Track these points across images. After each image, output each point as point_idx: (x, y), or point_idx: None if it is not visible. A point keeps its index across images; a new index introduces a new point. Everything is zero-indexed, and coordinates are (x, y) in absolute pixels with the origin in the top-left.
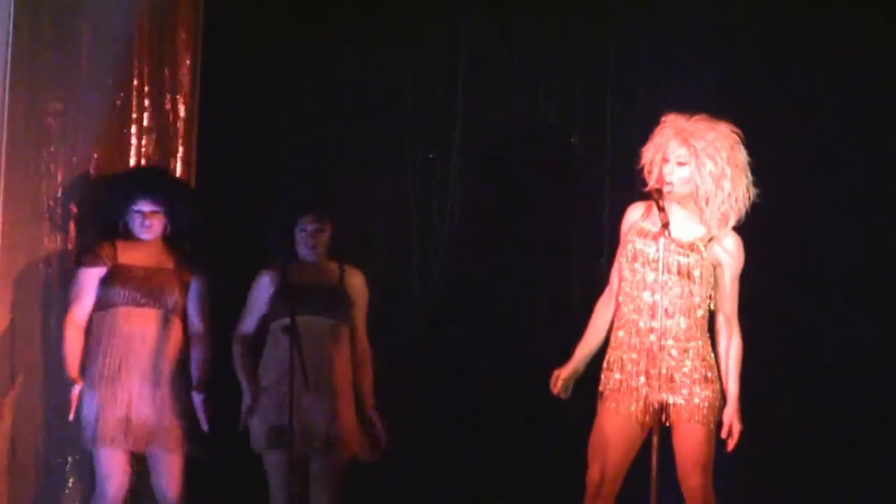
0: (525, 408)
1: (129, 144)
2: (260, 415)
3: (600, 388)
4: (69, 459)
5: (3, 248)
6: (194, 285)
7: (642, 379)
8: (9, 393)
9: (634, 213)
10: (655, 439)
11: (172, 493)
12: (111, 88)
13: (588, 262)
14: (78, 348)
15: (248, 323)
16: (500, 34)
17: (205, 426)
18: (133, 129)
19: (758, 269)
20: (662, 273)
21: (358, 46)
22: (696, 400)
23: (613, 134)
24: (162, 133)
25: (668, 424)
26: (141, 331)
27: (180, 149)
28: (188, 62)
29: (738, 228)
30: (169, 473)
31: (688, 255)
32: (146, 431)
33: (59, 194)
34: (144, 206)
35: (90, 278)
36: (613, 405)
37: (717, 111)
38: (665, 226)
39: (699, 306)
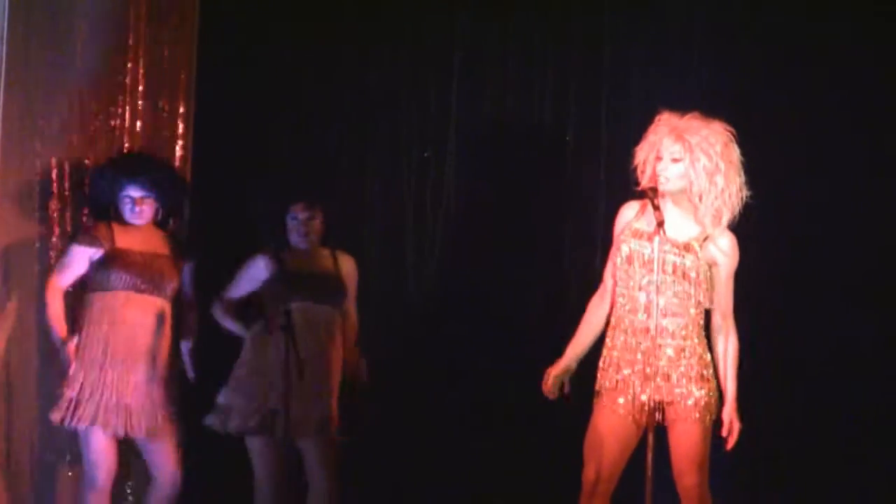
0: (520, 406)
1: (123, 143)
2: (249, 399)
3: (596, 387)
4: (67, 457)
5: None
6: (187, 269)
7: (638, 378)
8: (3, 388)
9: (628, 213)
10: (651, 438)
11: (170, 476)
12: (106, 86)
13: (583, 260)
14: (62, 310)
15: (235, 292)
16: (496, 33)
17: (191, 374)
18: (126, 126)
19: (756, 268)
20: (658, 273)
21: (353, 45)
22: (692, 399)
23: (608, 133)
24: (157, 132)
25: (663, 423)
26: (140, 317)
27: (176, 148)
28: (184, 60)
29: (738, 228)
30: (165, 457)
31: (683, 255)
32: (140, 417)
33: (56, 193)
34: (134, 192)
35: (82, 255)
36: (609, 404)
37: (714, 111)
38: (660, 224)
39: (695, 305)
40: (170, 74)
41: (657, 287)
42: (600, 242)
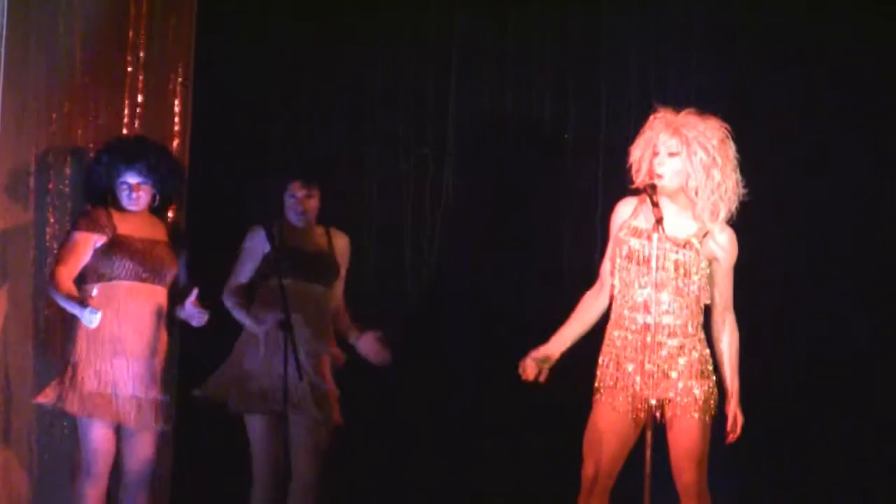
0: (519, 405)
1: None
2: (246, 378)
3: (596, 384)
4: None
5: None
6: (184, 257)
7: (638, 375)
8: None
9: (625, 211)
10: (649, 435)
11: (144, 467)
12: (105, 83)
13: (582, 258)
14: (73, 289)
15: (242, 277)
16: (494, 31)
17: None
18: (125, 122)
19: (755, 269)
20: (657, 270)
21: (351, 42)
22: (692, 396)
23: (607, 131)
24: (156, 129)
25: (662, 420)
26: (140, 306)
27: (174, 145)
28: (183, 57)
29: (739, 226)
30: (144, 447)
31: (683, 252)
32: (135, 406)
33: (53, 189)
34: (131, 178)
35: (86, 243)
36: (608, 401)
37: (713, 110)
38: (659, 221)
39: (695, 302)
40: (168, 72)
41: (657, 284)
42: (599, 240)
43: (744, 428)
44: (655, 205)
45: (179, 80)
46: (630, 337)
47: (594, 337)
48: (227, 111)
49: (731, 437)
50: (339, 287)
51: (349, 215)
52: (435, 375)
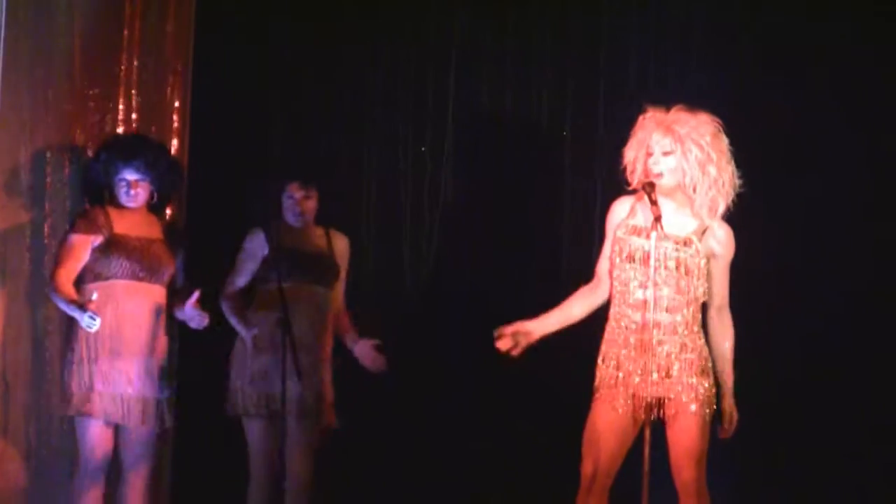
0: (518, 403)
1: None
2: (246, 381)
3: (595, 382)
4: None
5: None
6: (181, 256)
7: (637, 374)
8: None
9: (621, 210)
10: (648, 432)
11: (143, 466)
12: (103, 81)
13: (580, 257)
14: (73, 291)
15: (241, 280)
16: (493, 30)
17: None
18: (122, 119)
19: (753, 265)
20: (657, 268)
21: (351, 42)
22: (692, 394)
23: (605, 130)
24: (153, 127)
25: (662, 419)
26: (138, 306)
27: (173, 144)
28: (181, 55)
29: (736, 224)
30: (143, 446)
31: (682, 250)
32: (133, 405)
33: (50, 188)
34: (129, 175)
35: (83, 244)
36: (608, 400)
37: (712, 109)
38: (657, 219)
39: (694, 300)
40: (166, 69)
41: (656, 282)
42: (597, 240)
43: (739, 424)
44: (654, 203)
45: (178, 79)
46: (630, 336)
47: (594, 336)
48: (227, 111)
49: (726, 434)
50: (339, 288)
51: (348, 215)
52: (433, 374)
